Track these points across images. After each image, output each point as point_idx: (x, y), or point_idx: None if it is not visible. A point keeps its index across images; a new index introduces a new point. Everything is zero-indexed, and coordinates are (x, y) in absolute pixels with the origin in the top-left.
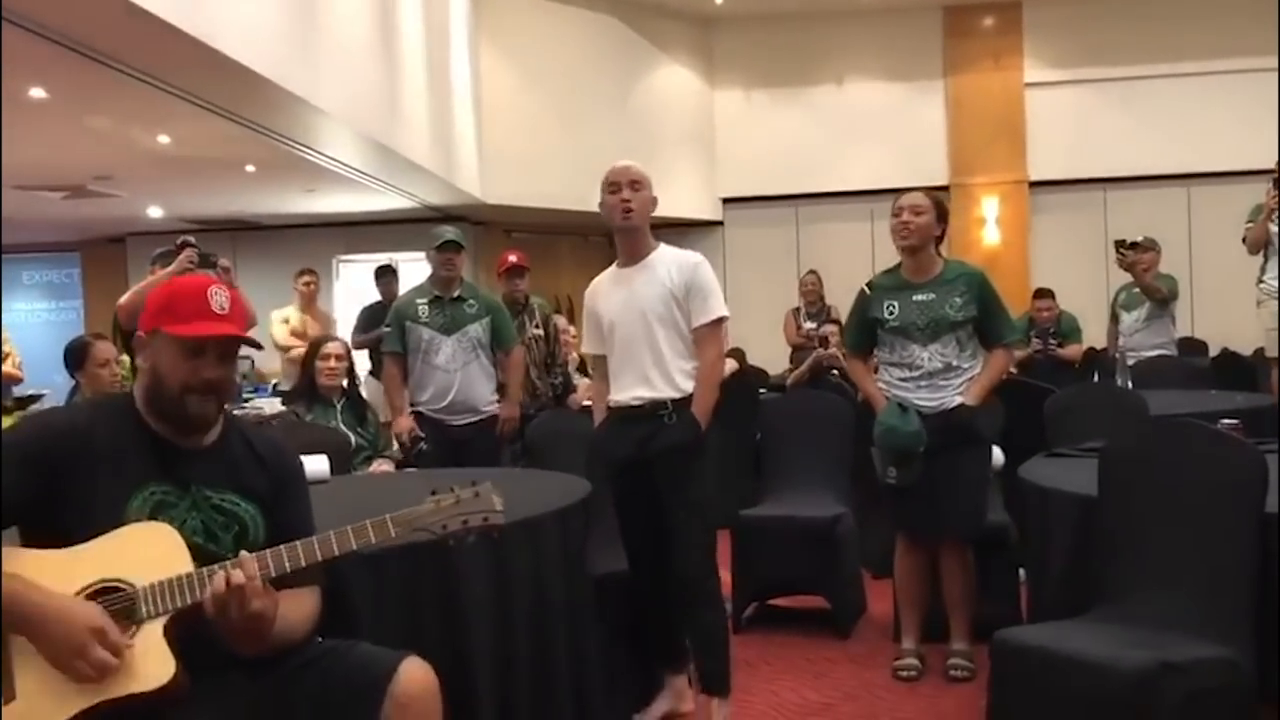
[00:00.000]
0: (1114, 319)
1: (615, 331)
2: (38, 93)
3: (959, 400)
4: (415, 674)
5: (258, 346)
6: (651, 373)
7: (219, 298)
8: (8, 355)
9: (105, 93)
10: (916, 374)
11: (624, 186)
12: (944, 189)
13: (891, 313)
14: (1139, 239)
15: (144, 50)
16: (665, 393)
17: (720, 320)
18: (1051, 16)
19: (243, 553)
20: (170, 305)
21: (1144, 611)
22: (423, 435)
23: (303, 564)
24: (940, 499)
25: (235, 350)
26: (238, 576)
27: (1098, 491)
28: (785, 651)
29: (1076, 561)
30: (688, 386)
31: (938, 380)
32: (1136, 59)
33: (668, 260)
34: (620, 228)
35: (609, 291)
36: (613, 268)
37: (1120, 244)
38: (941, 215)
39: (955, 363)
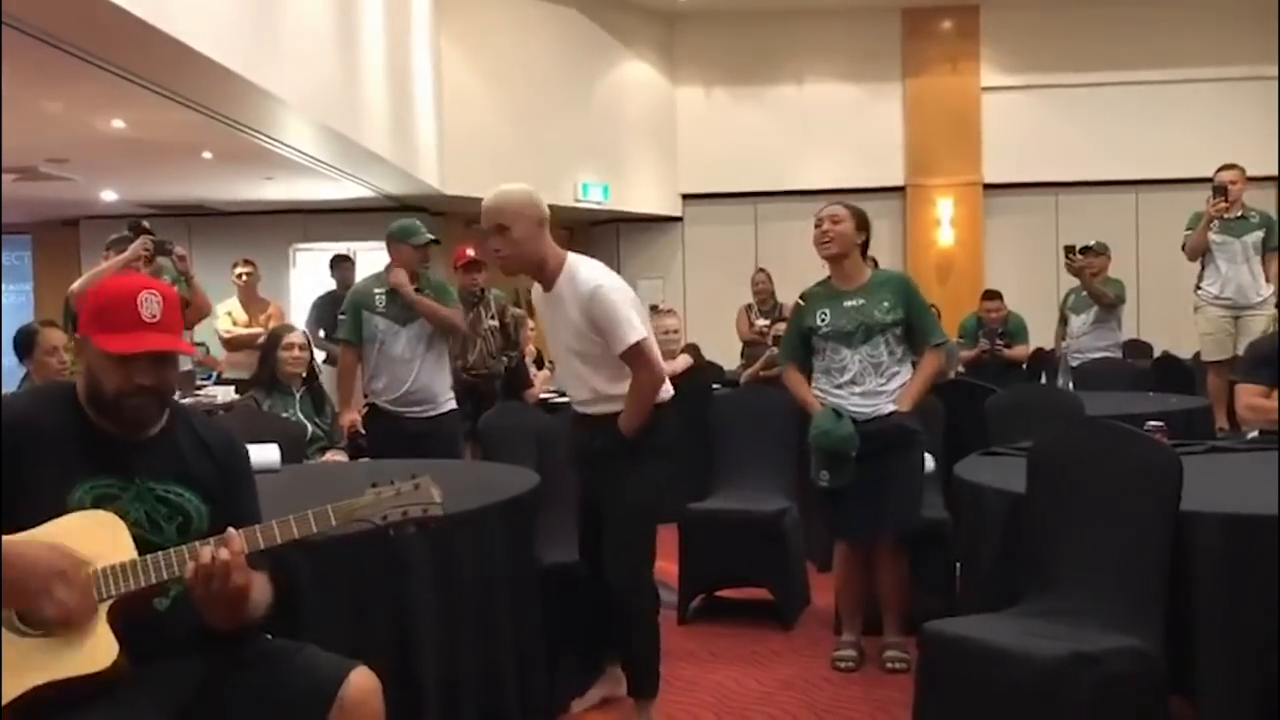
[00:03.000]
0: (1062, 321)
1: (555, 358)
2: None
3: (892, 408)
4: (362, 684)
5: (189, 353)
6: (585, 396)
7: (150, 305)
8: None
9: (59, 76)
10: (848, 378)
11: (492, 233)
12: (900, 190)
13: (824, 319)
14: (1091, 244)
15: (99, 35)
16: (604, 409)
17: (637, 344)
18: (1008, 22)
19: (230, 530)
20: (100, 313)
21: (1065, 604)
22: (362, 433)
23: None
24: (875, 501)
25: (172, 356)
26: (223, 553)
27: (1026, 489)
28: (729, 642)
29: (1005, 556)
30: (621, 404)
31: (871, 386)
32: (1090, 67)
33: (569, 290)
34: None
35: (543, 312)
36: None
37: (1069, 249)
38: (862, 224)
39: (885, 364)
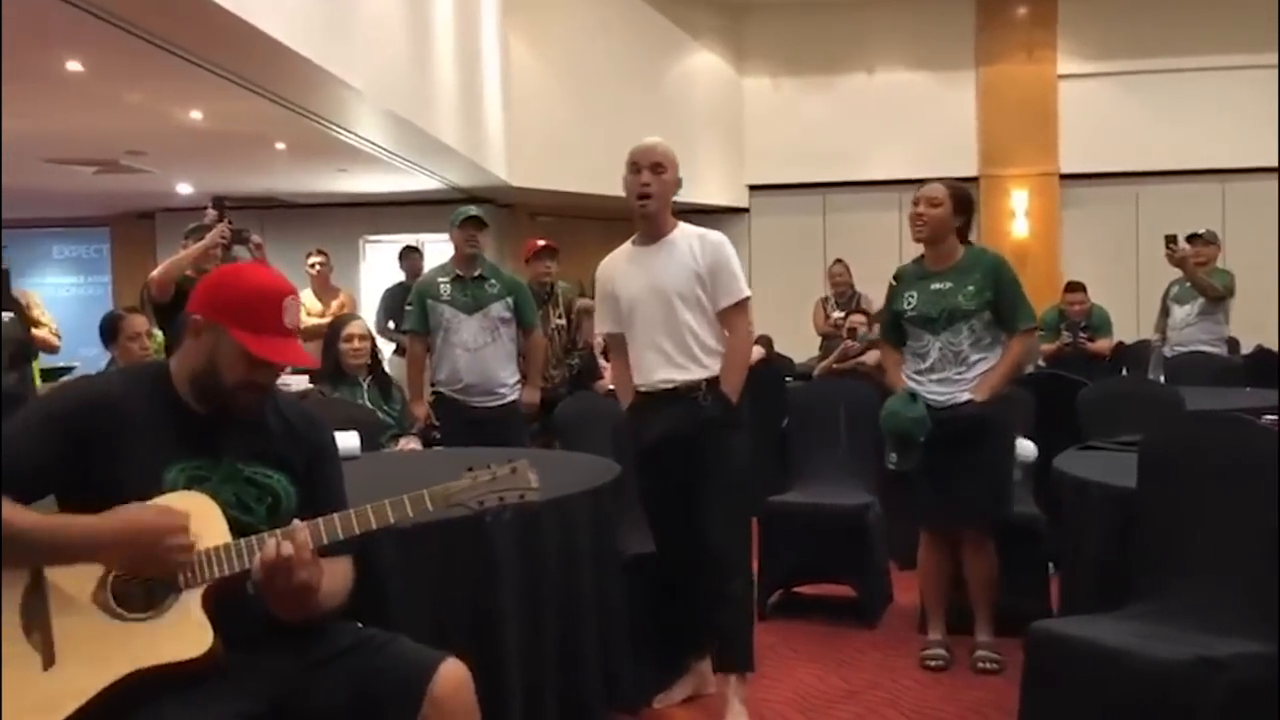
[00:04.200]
0: (1164, 313)
1: (635, 312)
2: (74, 66)
3: (968, 396)
4: (454, 675)
5: (315, 365)
6: (678, 355)
7: (291, 312)
8: (45, 324)
9: (141, 67)
10: (927, 365)
11: (644, 169)
12: (974, 180)
13: (910, 303)
14: (1200, 231)
15: (180, 24)
16: (695, 374)
17: (747, 299)
18: (1086, 8)
19: (295, 521)
20: (245, 308)
21: (1182, 606)
22: (436, 424)
23: (341, 536)
24: (955, 490)
25: None
26: (287, 548)
27: (1136, 485)
28: (810, 639)
29: (1112, 555)
30: (715, 366)
31: (950, 374)
32: (1172, 52)
33: (690, 238)
34: (637, 211)
35: (627, 271)
36: (628, 245)
37: (1170, 239)
38: (961, 206)
39: (967, 352)
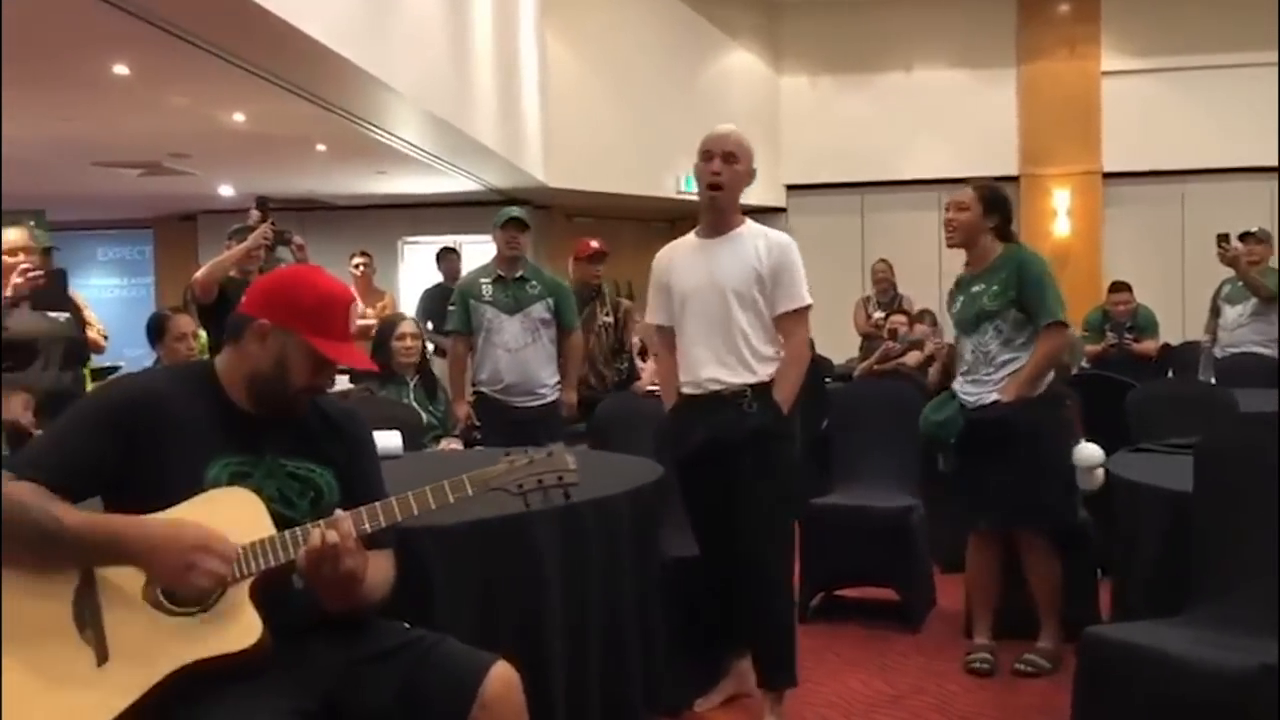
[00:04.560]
0: (1214, 313)
1: (688, 306)
2: (120, 70)
3: (994, 397)
4: (504, 677)
5: (375, 371)
6: (728, 355)
7: (353, 317)
8: (92, 325)
9: (185, 70)
10: (965, 367)
11: (716, 157)
12: (1014, 180)
13: (955, 308)
14: (1253, 229)
15: (224, 27)
16: (743, 377)
17: (809, 307)
18: (1130, 3)
19: (337, 511)
20: (319, 314)
21: (1240, 613)
22: (478, 425)
23: (383, 523)
24: (984, 491)
25: None
26: (332, 536)
27: (1193, 488)
28: (853, 643)
29: (1167, 559)
30: (764, 372)
31: (980, 375)
32: (1217, 48)
33: (757, 236)
34: (705, 200)
35: (686, 263)
36: (690, 236)
37: (1222, 238)
38: (993, 206)
39: (995, 353)
